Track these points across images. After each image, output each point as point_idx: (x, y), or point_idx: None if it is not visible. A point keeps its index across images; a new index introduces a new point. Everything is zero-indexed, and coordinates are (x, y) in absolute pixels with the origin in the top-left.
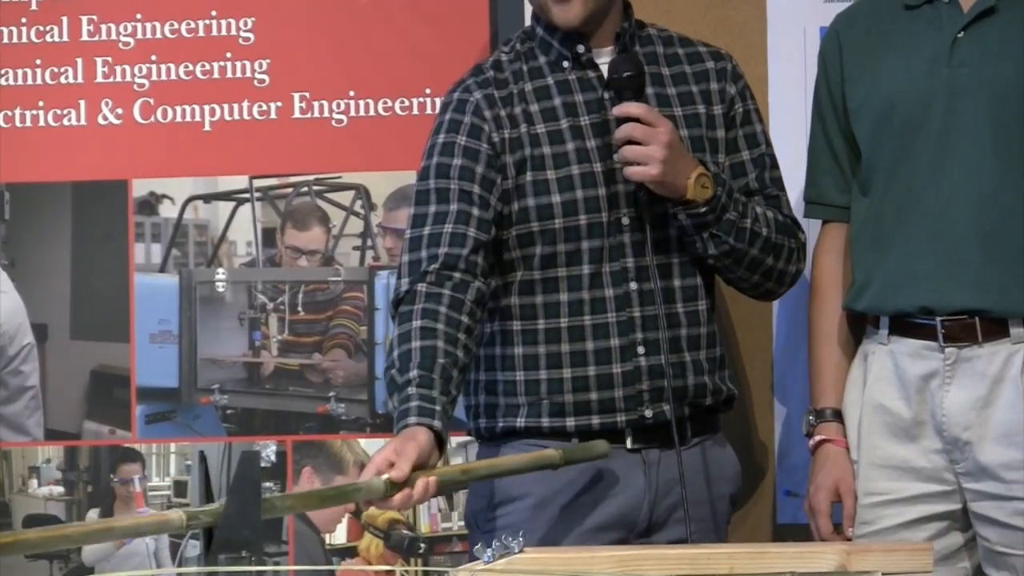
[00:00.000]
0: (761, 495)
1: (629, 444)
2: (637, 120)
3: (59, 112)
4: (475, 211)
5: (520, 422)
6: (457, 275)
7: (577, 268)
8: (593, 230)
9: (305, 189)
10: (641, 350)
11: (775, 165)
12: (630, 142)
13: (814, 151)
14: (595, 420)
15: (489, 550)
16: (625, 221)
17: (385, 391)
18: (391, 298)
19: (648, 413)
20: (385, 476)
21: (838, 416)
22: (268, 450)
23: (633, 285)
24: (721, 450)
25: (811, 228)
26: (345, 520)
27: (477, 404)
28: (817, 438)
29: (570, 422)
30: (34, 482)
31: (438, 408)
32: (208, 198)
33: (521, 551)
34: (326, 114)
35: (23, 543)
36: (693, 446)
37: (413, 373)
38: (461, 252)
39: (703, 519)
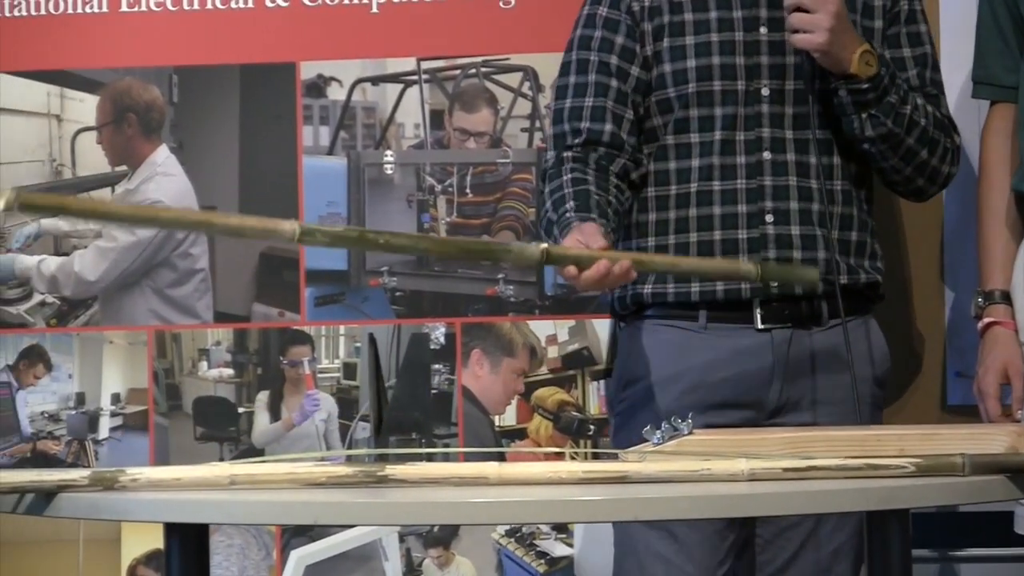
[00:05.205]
0: (931, 377)
1: (759, 324)
2: None
3: None
4: (613, 82)
5: (647, 290)
6: (602, 149)
7: (709, 134)
8: (727, 97)
9: (473, 71)
10: (769, 218)
11: (936, 67)
12: (799, 10)
13: (982, 30)
14: (720, 287)
15: (658, 432)
16: (764, 92)
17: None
18: (541, 173)
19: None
20: (543, 245)
21: (1006, 298)
22: (437, 332)
23: (767, 155)
24: (864, 332)
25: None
26: (515, 402)
27: None
28: (985, 320)
29: (695, 288)
30: (204, 364)
31: (596, 217)
32: (376, 80)
33: (690, 433)
34: None
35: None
36: (832, 327)
37: (569, 204)
38: (603, 127)
39: (842, 401)
